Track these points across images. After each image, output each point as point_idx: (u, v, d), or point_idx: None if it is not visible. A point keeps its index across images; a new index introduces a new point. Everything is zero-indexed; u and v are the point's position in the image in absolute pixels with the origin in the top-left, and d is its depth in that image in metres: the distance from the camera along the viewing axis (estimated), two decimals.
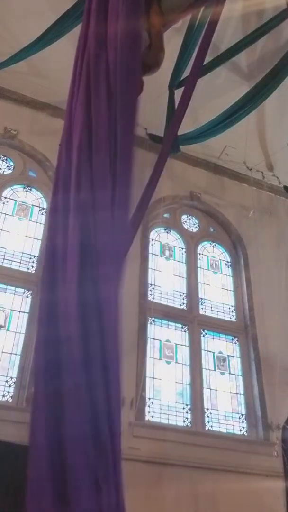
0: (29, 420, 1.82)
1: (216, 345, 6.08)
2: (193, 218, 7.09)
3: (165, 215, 6.81)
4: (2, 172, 6.06)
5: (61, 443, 1.70)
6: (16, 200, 5.99)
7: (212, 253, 6.91)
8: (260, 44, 6.15)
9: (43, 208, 6.08)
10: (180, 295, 6.24)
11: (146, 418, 5.15)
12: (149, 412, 5.23)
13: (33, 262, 5.60)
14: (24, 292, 5.37)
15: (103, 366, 1.89)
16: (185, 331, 5.97)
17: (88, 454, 1.70)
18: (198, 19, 4.78)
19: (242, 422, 5.68)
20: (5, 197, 5.92)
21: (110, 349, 1.97)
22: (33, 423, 1.81)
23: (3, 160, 6.16)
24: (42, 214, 6.04)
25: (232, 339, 6.22)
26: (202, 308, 6.26)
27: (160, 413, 5.30)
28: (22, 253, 5.61)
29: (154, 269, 6.24)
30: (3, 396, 4.71)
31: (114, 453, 1.74)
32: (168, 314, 5.96)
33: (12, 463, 3.90)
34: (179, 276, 6.40)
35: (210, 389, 5.72)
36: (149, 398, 5.30)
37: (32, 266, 5.57)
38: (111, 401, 1.83)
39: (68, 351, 1.89)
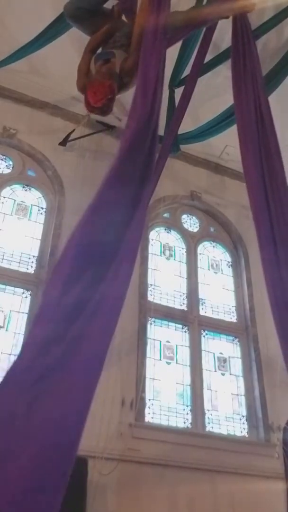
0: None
1: (216, 345, 6.05)
2: (194, 217, 7.05)
3: (165, 215, 6.77)
4: (1, 172, 6.03)
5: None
6: (15, 200, 5.96)
7: (212, 253, 6.87)
8: (260, 44, 6.10)
9: (42, 208, 6.05)
10: (181, 295, 6.20)
11: (146, 419, 5.12)
12: (149, 413, 5.20)
13: (32, 262, 5.56)
14: (23, 292, 5.33)
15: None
16: (185, 332, 5.94)
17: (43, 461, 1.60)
18: None
19: (243, 423, 5.65)
20: (4, 197, 5.89)
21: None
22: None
23: (2, 159, 6.13)
24: (41, 213, 6.00)
25: (233, 340, 6.19)
26: (202, 309, 6.22)
27: (160, 414, 5.27)
28: (21, 253, 5.58)
29: (154, 269, 6.20)
30: None
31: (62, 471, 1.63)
32: (168, 314, 5.93)
33: None
34: (179, 276, 6.37)
35: (211, 390, 5.68)
36: (149, 399, 5.27)
37: (31, 266, 5.53)
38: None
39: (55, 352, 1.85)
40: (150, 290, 5.96)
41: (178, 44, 5.45)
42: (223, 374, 5.87)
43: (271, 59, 5.97)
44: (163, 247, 6.52)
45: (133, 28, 3.64)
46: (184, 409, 5.42)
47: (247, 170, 3.14)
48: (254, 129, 3.23)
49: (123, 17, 3.99)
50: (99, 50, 3.70)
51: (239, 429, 5.60)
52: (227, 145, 7.00)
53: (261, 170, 3.00)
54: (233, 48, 3.81)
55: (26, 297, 5.32)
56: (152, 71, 2.97)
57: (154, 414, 5.23)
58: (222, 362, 5.94)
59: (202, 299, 6.30)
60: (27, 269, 5.50)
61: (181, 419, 5.35)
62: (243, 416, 5.69)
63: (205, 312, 6.22)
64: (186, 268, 6.48)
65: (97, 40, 3.66)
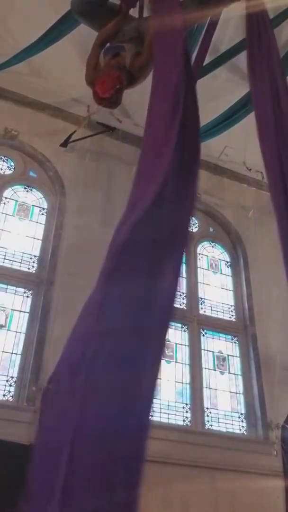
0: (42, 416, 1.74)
1: (215, 344, 6.11)
2: (193, 218, 7.11)
3: None
4: (2, 173, 6.08)
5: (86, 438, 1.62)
6: (16, 200, 6.01)
7: (211, 253, 6.93)
8: None
9: (43, 208, 6.11)
10: (180, 295, 6.25)
11: None
12: None
13: (33, 262, 5.62)
14: (24, 292, 5.39)
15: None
16: (185, 331, 5.99)
17: (112, 450, 1.65)
18: None
19: (242, 421, 5.71)
20: (6, 197, 5.95)
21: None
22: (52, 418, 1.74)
23: (3, 161, 6.19)
24: (42, 214, 6.06)
25: (232, 339, 6.24)
26: (201, 308, 6.28)
27: (160, 412, 5.32)
28: (23, 253, 5.63)
29: None
30: (4, 395, 4.73)
31: (138, 452, 1.69)
32: None
33: (12, 463, 3.92)
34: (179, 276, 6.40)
35: (210, 388, 5.74)
36: None
37: (33, 266, 5.59)
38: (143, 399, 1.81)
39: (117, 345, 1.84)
40: None
41: None
42: (222, 373, 5.93)
43: None
44: None
45: (139, 23, 3.65)
46: (183, 407, 5.47)
47: (265, 158, 3.07)
48: (271, 115, 3.11)
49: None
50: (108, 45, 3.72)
51: (238, 427, 5.65)
52: (226, 146, 7.06)
53: (279, 158, 2.93)
54: (247, 31, 3.67)
55: (27, 296, 5.38)
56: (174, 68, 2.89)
57: (153, 412, 5.28)
58: (221, 361, 6.00)
59: (201, 298, 6.36)
60: (29, 269, 5.55)
61: (180, 417, 5.41)
62: (242, 414, 5.74)
63: (205, 312, 6.27)
64: (185, 268, 6.53)
65: (106, 34, 3.66)
